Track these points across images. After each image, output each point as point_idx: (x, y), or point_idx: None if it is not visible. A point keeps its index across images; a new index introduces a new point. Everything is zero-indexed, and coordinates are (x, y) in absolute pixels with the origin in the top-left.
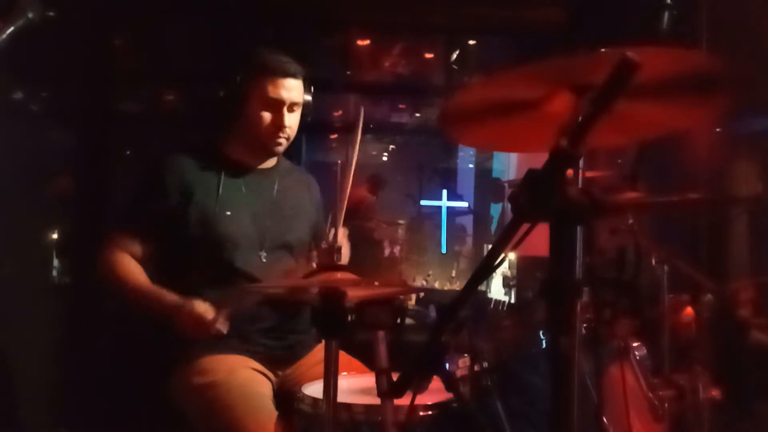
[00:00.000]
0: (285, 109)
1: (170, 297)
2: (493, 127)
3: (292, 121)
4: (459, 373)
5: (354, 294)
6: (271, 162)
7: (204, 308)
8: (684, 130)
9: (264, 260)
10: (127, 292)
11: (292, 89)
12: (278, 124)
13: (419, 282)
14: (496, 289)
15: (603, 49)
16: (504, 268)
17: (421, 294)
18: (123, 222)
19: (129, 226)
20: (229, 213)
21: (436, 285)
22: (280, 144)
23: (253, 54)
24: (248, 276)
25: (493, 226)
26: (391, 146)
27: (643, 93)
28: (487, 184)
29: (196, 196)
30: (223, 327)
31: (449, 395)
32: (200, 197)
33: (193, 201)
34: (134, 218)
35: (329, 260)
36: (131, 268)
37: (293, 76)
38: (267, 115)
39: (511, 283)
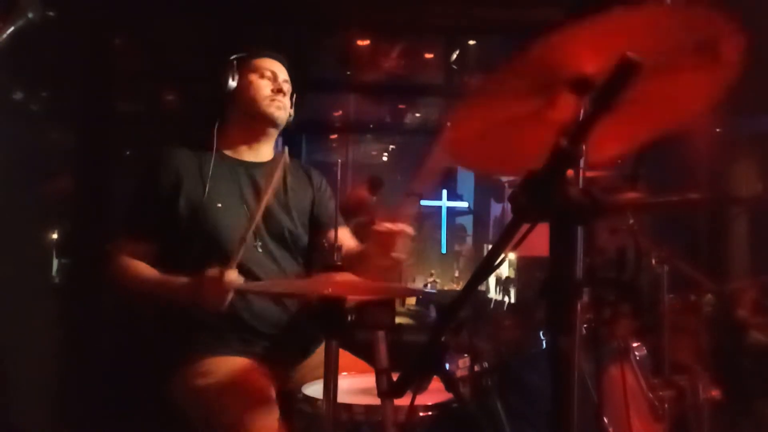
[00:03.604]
0: (279, 80)
1: (181, 279)
2: (498, 145)
3: (286, 93)
4: (459, 373)
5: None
6: (267, 155)
7: (216, 271)
8: (695, 110)
9: (259, 252)
10: (141, 287)
11: (280, 69)
12: (277, 88)
13: (420, 282)
14: (494, 290)
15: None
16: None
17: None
18: (125, 226)
19: (131, 229)
20: (220, 205)
21: (438, 286)
22: (279, 108)
23: (238, 48)
24: (243, 268)
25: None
26: (391, 146)
27: (651, 72)
28: (487, 183)
29: (185, 187)
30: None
31: (449, 395)
32: (190, 188)
33: (182, 192)
34: (135, 221)
35: (329, 260)
36: (139, 266)
37: (279, 60)
38: (263, 82)
39: (504, 284)
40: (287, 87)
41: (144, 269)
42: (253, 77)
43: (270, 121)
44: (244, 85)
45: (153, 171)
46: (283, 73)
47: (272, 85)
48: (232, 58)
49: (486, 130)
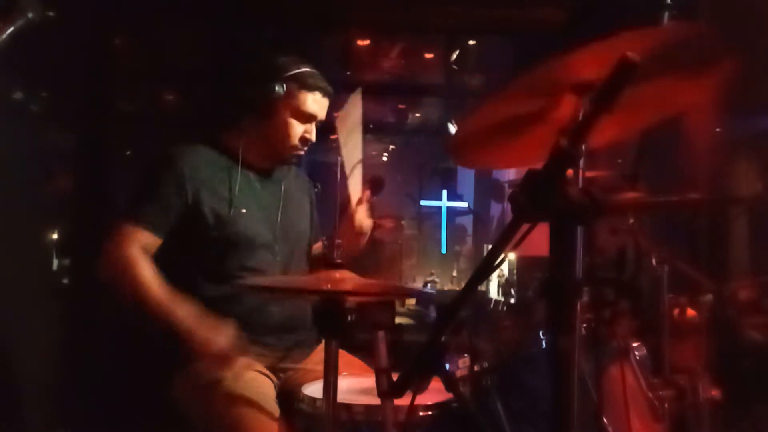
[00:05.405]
0: (315, 123)
1: (185, 314)
2: (503, 146)
3: (313, 141)
4: (459, 373)
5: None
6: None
7: (215, 339)
8: (689, 106)
9: (277, 259)
10: (140, 296)
11: (325, 108)
12: (307, 138)
13: (420, 282)
14: (495, 291)
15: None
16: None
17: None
18: (135, 212)
19: (143, 217)
20: (244, 211)
21: (437, 286)
22: (299, 156)
23: (288, 63)
24: (261, 275)
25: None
26: (391, 146)
27: (644, 74)
28: (487, 183)
29: (210, 192)
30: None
31: (449, 395)
32: (216, 194)
33: (208, 197)
34: (148, 209)
35: (329, 258)
36: (147, 271)
37: (329, 96)
38: (298, 127)
39: (505, 286)
40: (318, 126)
41: (150, 277)
42: (291, 119)
43: (283, 161)
44: (280, 121)
45: (173, 165)
46: (323, 112)
47: (304, 130)
48: (287, 75)
49: (490, 129)
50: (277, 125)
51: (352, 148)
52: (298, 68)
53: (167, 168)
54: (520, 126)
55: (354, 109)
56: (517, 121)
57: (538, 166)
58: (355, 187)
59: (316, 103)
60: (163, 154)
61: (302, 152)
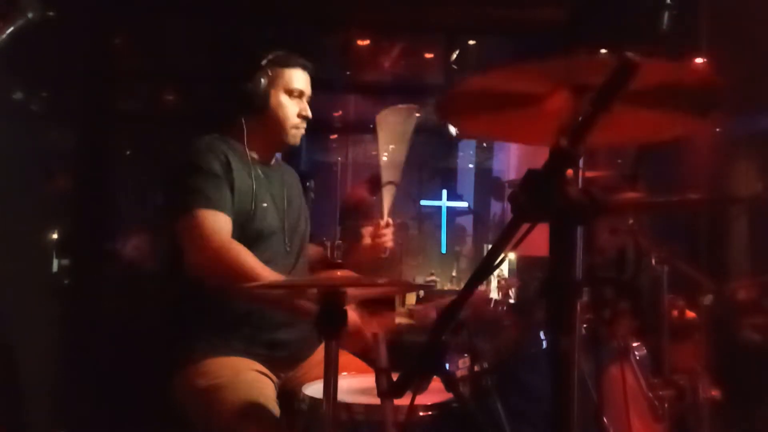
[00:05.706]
0: (305, 98)
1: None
2: (490, 118)
3: (310, 117)
4: (459, 373)
5: (357, 293)
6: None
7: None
8: (682, 136)
9: (287, 251)
10: (251, 279)
11: (308, 83)
12: (304, 114)
13: (420, 282)
14: (495, 291)
15: (603, 51)
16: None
17: (421, 293)
18: (201, 201)
19: (213, 201)
20: (265, 204)
21: (437, 286)
22: (300, 135)
23: (265, 50)
24: (274, 266)
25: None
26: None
27: (640, 100)
28: (487, 183)
29: (237, 186)
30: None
31: (449, 395)
32: (240, 187)
33: (234, 187)
34: (212, 193)
35: (329, 257)
36: (249, 256)
37: (309, 71)
38: (293, 106)
39: (505, 287)
40: (309, 102)
41: (250, 254)
42: (284, 98)
43: (286, 144)
44: (274, 104)
45: (206, 155)
46: (308, 88)
47: (299, 107)
48: (264, 62)
49: (483, 102)
50: (275, 109)
51: (391, 163)
52: (274, 52)
53: (205, 152)
54: (509, 105)
55: (405, 122)
56: (507, 99)
57: (519, 142)
58: (386, 207)
59: (301, 78)
60: (193, 146)
61: (303, 129)
